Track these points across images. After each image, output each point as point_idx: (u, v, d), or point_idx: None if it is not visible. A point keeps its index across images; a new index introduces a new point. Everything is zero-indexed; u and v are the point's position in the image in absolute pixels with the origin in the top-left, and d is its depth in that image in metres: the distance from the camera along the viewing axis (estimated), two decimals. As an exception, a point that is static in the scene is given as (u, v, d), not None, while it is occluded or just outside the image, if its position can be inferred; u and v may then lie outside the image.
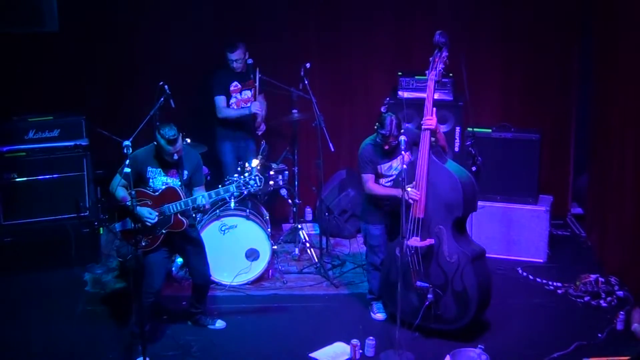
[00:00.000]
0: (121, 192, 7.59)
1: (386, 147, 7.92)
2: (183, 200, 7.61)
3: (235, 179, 9.19)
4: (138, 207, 7.44)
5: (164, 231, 7.64)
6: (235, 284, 9.00)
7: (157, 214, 7.56)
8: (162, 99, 9.15)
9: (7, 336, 8.06)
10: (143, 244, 7.59)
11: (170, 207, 7.59)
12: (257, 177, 7.77)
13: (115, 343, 7.85)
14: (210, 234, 8.90)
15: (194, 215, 8.20)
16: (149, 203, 7.60)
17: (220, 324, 8.22)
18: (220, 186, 9.35)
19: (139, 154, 7.64)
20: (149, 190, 7.64)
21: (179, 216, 7.66)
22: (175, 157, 7.56)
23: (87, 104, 10.10)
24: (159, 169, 7.65)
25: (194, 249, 7.97)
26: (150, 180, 7.65)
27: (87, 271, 9.32)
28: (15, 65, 10.10)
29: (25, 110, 9.73)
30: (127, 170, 7.16)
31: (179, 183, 7.70)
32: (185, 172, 7.74)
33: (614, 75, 9.33)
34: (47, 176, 9.57)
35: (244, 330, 8.19)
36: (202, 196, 7.66)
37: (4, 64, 10.04)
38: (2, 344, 7.91)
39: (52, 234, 9.44)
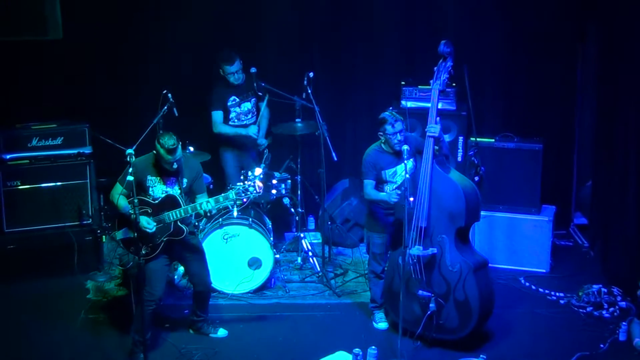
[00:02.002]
0: (122, 202, 7.60)
1: (398, 148, 7.88)
2: (183, 207, 7.62)
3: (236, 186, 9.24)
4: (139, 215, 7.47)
5: (164, 239, 7.65)
6: (237, 292, 9.00)
7: (155, 223, 7.57)
8: (165, 107, 9.16)
9: (9, 343, 8.07)
10: (143, 252, 7.59)
11: (170, 214, 7.60)
12: (255, 184, 7.73)
13: (117, 351, 7.85)
14: (212, 243, 8.91)
15: (196, 222, 8.20)
16: (149, 211, 7.61)
17: (222, 332, 8.22)
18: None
19: (138, 163, 7.62)
20: (148, 198, 7.66)
21: (179, 224, 7.68)
22: (175, 165, 7.57)
23: (91, 111, 10.11)
24: (159, 178, 7.67)
25: (194, 256, 7.97)
26: (150, 188, 7.67)
27: (90, 279, 9.31)
28: (19, 72, 10.13)
29: (28, 118, 9.75)
30: (130, 178, 7.18)
31: (179, 191, 7.71)
32: (185, 180, 7.75)
33: (616, 85, 9.33)
34: (51, 184, 9.58)
35: (246, 338, 8.19)
36: (207, 201, 7.65)
37: (8, 71, 10.06)
38: (4, 351, 7.92)
39: (55, 241, 9.46)
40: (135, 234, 7.43)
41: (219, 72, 9.79)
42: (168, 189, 7.67)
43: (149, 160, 7.69)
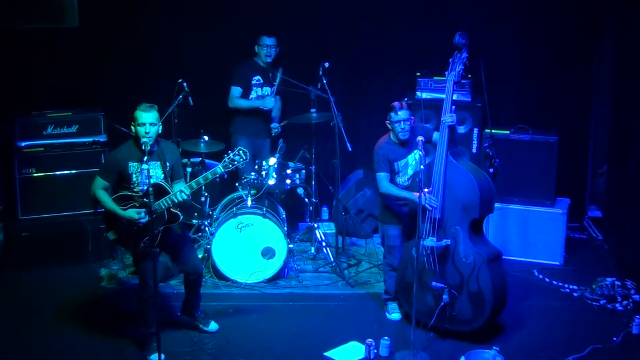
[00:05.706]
0: (104, 195, 7.50)
1: (402, 137, 7.89)
2: (172, 193, 7.43)
3: (252, 176, 9.25)
4: (124, 211, 7.39)
5: (160, 228, 7.47)
6: (250, 282, 9.01)
7: (144, 210, 7.34)
8: (180, 96, 9.20)
9: (23, 331, 8.10)
10: (142, 245, 7.46)
11: (161, 203, 7.38)
12: (240, 151, 7.48)
13: (131, 339, 7.86)
14: (226, 232, 8.92)
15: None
16: (137, 205, 7.44)
17: (213, 326, 8.08)
18: (237, 184, 9.42)
19: (118, 152, 7.57)
20: (132, 187, 7.48)
21: (172, 210, 7.52)
22: (149, 135, 7.35)
23: (106, 100, 10.11)
24: (139, 163, 7.40)
25: (184, 242, 7.82)
26: (134, 175, 7.48)
27: (104, 266, 9.34)
28: (35, 60, 10.15)
29: (44, 106, 9.78)
30: (145, 167, 7.15)
31: (162, 175, 7.54)
32: (168, 165, 7.56)
33: (632, 77, 9.29)
34: (65, 172, 9.62)
35: (259, 328, 8.20)
36: (180, 191, 7.40)
37: (24, 59, 10.08)
38: (18, 339, 7.95)
39: (69, 229, 9.49)
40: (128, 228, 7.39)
41: (255, 48, 9.85)
42: (151, 170, 7.31)
43: (128, 147, 7.56)
